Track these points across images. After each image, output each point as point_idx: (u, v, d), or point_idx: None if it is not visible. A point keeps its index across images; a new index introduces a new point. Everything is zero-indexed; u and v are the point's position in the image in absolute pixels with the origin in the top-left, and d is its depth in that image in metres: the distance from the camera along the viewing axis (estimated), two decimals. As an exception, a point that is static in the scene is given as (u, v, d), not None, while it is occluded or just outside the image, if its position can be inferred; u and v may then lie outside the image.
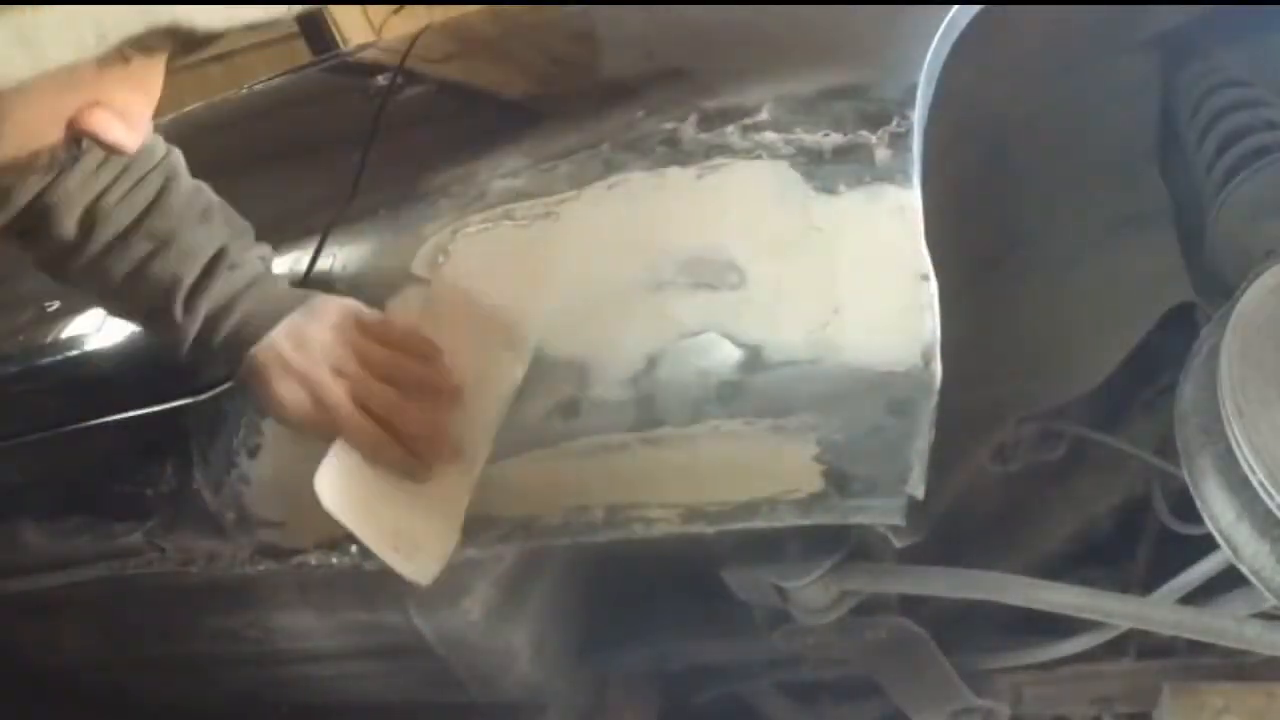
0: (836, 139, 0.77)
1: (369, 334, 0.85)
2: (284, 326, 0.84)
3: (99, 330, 1.07)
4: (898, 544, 0.80)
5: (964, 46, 0.81)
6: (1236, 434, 0.70)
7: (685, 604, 1.13)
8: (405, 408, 0.82)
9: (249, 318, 0.85)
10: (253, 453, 0.92)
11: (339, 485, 0.78)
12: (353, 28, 3.47)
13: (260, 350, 0.83)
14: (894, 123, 0.77)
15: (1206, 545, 0.79)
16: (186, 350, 0.87)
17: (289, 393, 0.82)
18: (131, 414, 1.00)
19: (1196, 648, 1.04)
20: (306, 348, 0.83)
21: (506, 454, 0.83)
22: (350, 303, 0.87)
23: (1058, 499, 1.13)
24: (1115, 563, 1.12)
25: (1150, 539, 1.10)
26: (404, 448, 0.81)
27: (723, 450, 0.78)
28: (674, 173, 0.81)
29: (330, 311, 0.85)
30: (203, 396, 0.95)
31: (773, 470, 0.78)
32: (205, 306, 0.85)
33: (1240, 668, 1.02)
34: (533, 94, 1.02)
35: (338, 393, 0.81)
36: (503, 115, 1.00)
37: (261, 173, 1.17)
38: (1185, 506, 0.87)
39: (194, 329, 0.86)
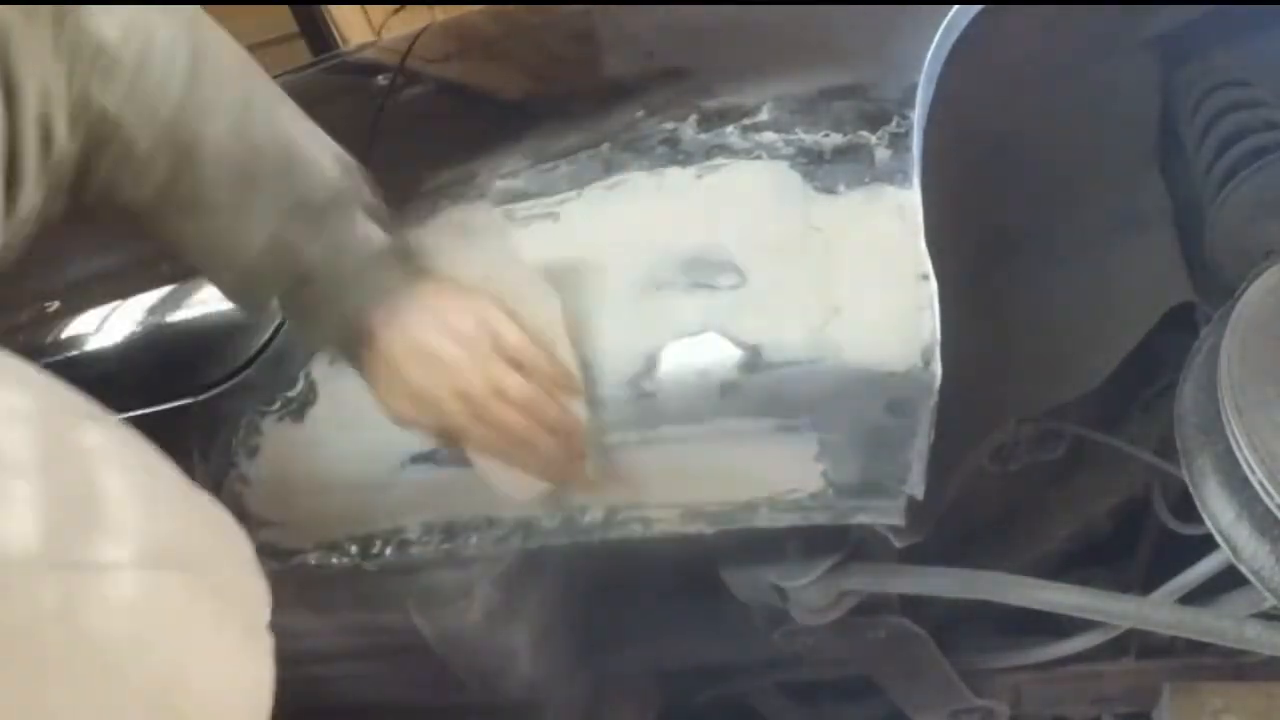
0: (836, 139, 0.77)
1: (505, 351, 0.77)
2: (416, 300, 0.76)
3: (99, 330, 1.07)
4: (898, 544, 0.80)
5: (964, 47, 0.81)
6: (1236, 434, 0.70)
7: (685, 604, 1.13)
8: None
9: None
10: (252, 453, 0.92)
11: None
12: (353, 28, 3.48)
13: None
14: (894, 123, 0.77)
15: (1206, 545, 0.79)
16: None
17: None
18: (131, 414, 1.00)
19: (1196, 648, 1.04)
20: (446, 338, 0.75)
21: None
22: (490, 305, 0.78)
23: (1058, 499, 1.13)
24: (1115, 563, 1.12)
25: (1150, 539, 1.10)
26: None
27: (723, 450, 0.78)
28: (674, 173, 0.81)
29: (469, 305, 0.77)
30: (203, 396, 0.95)
31: (773, 470, 0.78)
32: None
33: (1240, 668, 1.02)
34: (533, 94, 1.02)
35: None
36: (503, 115, 1.00)
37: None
38: (1185, 506, 0.88)
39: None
